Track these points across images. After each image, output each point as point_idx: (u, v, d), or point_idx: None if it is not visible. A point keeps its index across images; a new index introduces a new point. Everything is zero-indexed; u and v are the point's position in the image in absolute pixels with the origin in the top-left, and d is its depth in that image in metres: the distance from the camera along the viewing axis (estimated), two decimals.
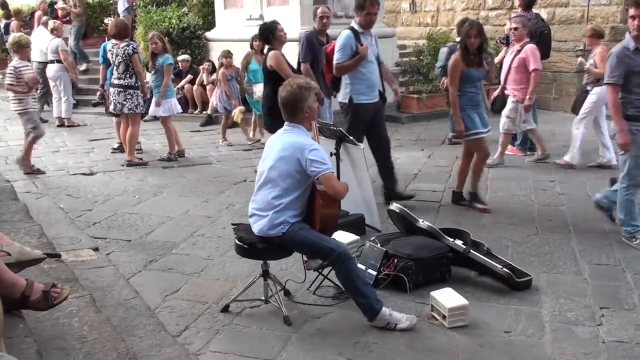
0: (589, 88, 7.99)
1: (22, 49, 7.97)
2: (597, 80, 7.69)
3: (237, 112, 9.92)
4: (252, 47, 9.63)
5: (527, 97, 7.81)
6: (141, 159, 8.84)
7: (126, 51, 8.39)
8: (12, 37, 8.36)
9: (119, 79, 8.48)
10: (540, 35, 8.65)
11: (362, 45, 6.21)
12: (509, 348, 3.78)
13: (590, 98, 7.93)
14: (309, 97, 4.10)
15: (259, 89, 9.06)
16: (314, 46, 7.25)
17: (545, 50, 8.72)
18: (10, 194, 5.94)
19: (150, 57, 8.93)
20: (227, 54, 10.27)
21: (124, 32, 8.64)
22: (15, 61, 7.96)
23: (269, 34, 6.79)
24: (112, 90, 8.69)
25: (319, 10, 7.44)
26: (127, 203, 6.85)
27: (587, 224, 5.95)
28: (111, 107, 8.78)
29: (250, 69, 9.62)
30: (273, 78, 6.61)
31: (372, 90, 6.42)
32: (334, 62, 6.33)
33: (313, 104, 4.15)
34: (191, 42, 13.30)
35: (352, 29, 6.33)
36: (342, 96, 6.51)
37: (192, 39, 13.31)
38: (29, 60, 8.48)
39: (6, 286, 3.09)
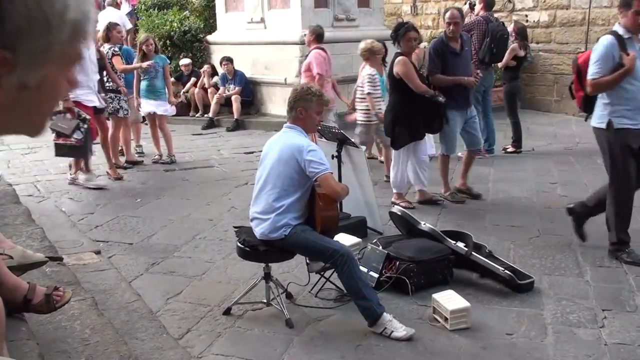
0: None
1: (374, 56, 7.49)
2: None
3: None
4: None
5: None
6: (142, 161, 8.95)
7: (107, 54, 8.45)
8: (364, 43, 7.62)
9: (108, 82, 8.53)
10: (500, 39, 8.70)
11: (627, 54, 4.83)
12: (511, 350, 3.77)
13: None
14: (310, 102, 4.12)
15: (379, 106, 8.10)
16: (444, 55, 6.62)
17: (500, 54, 8.81)
18: (12, 198, 5.94)
19: (142, 59, 8.84)
20: None
21: (109, 35, 8.64)
22: (368, 68, 7.53)
23: (397, 36, 6.40)
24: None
25: (447, 15, 6.73)
26: (128, 206, 6.86)
27: (589, 226, 5.91)
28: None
29: None
30: (400, 87, 6.34)
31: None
32: (588, 77, 4.94)
33: (313, 113, 4.16)
34: (192, 46, 13.33)
35: (614, 33, 4.93)
36: (597, 119, 5.12)
37: (193, 43, 13.34)
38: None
39: (8, 289, 3.09)
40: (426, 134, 6.74)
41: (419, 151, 6.61)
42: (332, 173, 4.08)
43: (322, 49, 8.23)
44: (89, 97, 7.35)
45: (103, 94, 7.96)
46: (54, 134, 7.07)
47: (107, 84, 8.45)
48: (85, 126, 6.93)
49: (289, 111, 4.19)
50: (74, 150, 7.07)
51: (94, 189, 7.46)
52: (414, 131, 6.50)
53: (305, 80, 8.02)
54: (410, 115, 6.39)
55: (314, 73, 7.97)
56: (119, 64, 8.44)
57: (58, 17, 0.73)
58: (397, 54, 6.43)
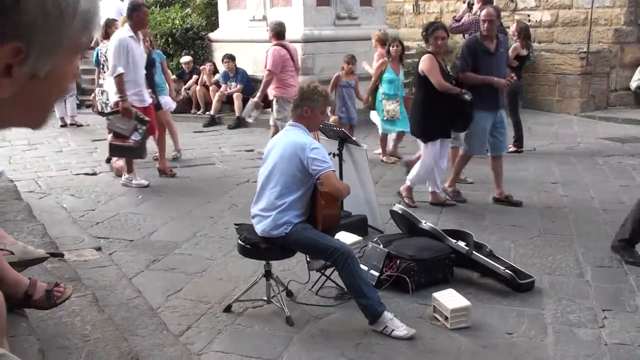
0: None
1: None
2: None
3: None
4: (388, 52, 8.43)
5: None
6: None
7: (107, 50, 8.33)
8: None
9: (104, 79, 8.42)
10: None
11: None
12: (511, 349, 3.77)
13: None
14: (317, 102, 4.14)
15: (392, 107, 8.27)
16: (476, 53, 6.42)
17: None
18: (13, 193, 5.94)
19: None
20: (351, 60, 8.79)
21: (108, 32, 8.46)
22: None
23: (426, 34, 6.33)
24: (97, 90, 8.67)
25: (483, 12, 6.49)
26: (129, 203, 6.86)
27: (589, 226, 5.95)
28: (98, 107, 8.75)
29: (384, 78, 8.35)
30: (424, 84, 6.29)
31: None
32: None
33: (318, 112, 4.19)
34: (194, 43, 13.33)
35: None
36: None
37: (195, 40, 13.34)
38: None
39: (9, 285, 3.09)
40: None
41: (441, 156, 6.50)
42: (334, 171, 4.08)
43: (283, 45, 8.29)
44: (144, 96, 7.28)
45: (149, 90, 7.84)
46: (110, 135, 7.06)
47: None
48: (144, 127, 6.90)
49: (294, 109, 4.19)
50: (130, 152, 7.04)
51: (136, 187, 7.38)
52: (441, 128, 6.41)
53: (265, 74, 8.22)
54: (435, 112, 6.28)
55: (265, 68, 8.12)
56: None
57: (71, 8, 0.74)
58: (425, 52, 6.38)
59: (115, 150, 7.16)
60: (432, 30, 6.33)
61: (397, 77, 8.35)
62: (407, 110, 8.13)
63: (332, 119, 8.36)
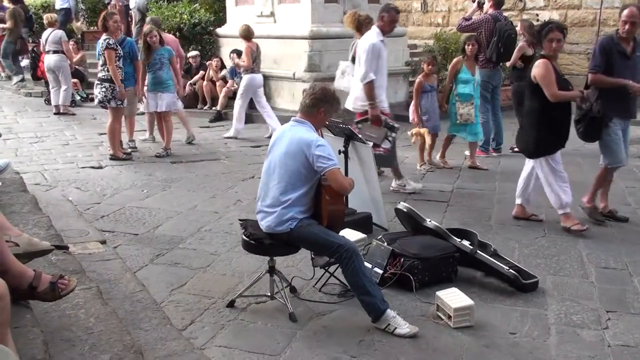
0: (242, 75, 10.32)
1: None
2: (247, 70, 10.04)
3: (414, 133, 8.09)
4: (463, 51, 8.04)
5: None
6: (129, 153, 8.77)
7: (102, 44, 8.24)
8: None
9: (100, 72, 8.37)
10: (508, 38, 8.68)
11: None
12: (514, 349, 3.77)
13: (242, 82, 10.24)
14: (331, 107, 4.19)
15: (466, 110, 7.86)
16: (611, 54, 5.82)
17: (508, 54, 8.77)
18: (19, 186, 5.96)
19: (147, 51, 8.76)
20: (432, 60, 8.22)
21: (106, 25, 8.37)
22: None
23: (540, 36, 5.73)
24: (95, 82, 8.63)
25: (624, 12, 5.84)
26: (135, 197, 6.87)
27: (594, 227, 5.93)
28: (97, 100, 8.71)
29: (459, 78, 7.90)
30: (537, 93, 5.66)
31: None
32: None
33: (327, 115, 4.23)
34: (202, 38, 13.35)
35: None
36: None
37: (203, 35, 13.35)
38: None
39: (14, 276, 3.11)
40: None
41: (554, 163, 5.87)
42: (339, 168, 4.08)
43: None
44: (386, 102, 7.00)
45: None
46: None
47: (102, 74, 8.28)
48: (394, 134, 6.59)
49: (310, 106, 4.15)
50: (380, 160, 6.57)
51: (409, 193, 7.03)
52: (559, 139, 5.85)
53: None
54: (555, 121, 5.71)
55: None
56: (111, 59, 8.13)
57: None
58: (539, 56, 5.79)
59: None
60: (547, 31, 5.65)
61: (473, 77, 7.89)
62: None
63: (422, 131, 7.96)
